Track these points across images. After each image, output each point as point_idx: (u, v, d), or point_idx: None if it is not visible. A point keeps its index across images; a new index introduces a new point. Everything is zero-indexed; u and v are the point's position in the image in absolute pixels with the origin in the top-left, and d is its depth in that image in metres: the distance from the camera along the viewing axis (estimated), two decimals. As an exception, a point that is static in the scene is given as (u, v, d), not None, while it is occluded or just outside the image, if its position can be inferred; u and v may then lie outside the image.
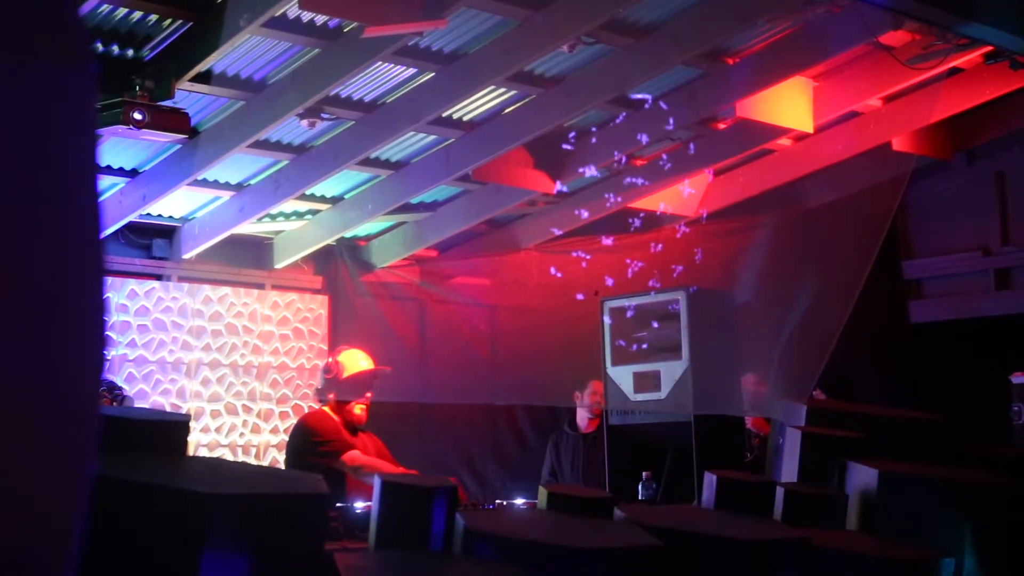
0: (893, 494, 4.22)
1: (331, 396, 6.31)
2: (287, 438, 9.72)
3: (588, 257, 8.86)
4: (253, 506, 3.20)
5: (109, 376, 8.70)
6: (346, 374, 6.26)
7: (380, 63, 7.59)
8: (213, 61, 7.16)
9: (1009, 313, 9.24)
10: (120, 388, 7.84)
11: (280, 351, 10.01)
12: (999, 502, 4.30)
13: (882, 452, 4.56)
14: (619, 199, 9.24)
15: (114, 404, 7.07)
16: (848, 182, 9.20)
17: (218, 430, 9.56)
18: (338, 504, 4.84)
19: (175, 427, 3.63)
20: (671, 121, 8.05)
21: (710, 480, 4.31)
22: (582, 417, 8.51)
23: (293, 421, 9.54)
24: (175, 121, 7.31)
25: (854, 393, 7.98)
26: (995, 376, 7.92)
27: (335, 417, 6.22)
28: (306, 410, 9.49)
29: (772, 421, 5.47)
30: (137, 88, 7.11)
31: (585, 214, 9.40)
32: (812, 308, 7.36)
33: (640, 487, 6.74)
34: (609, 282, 8.16)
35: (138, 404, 8.72)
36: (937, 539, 4.08)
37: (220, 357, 9.69)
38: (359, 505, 4.80)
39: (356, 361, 6.34)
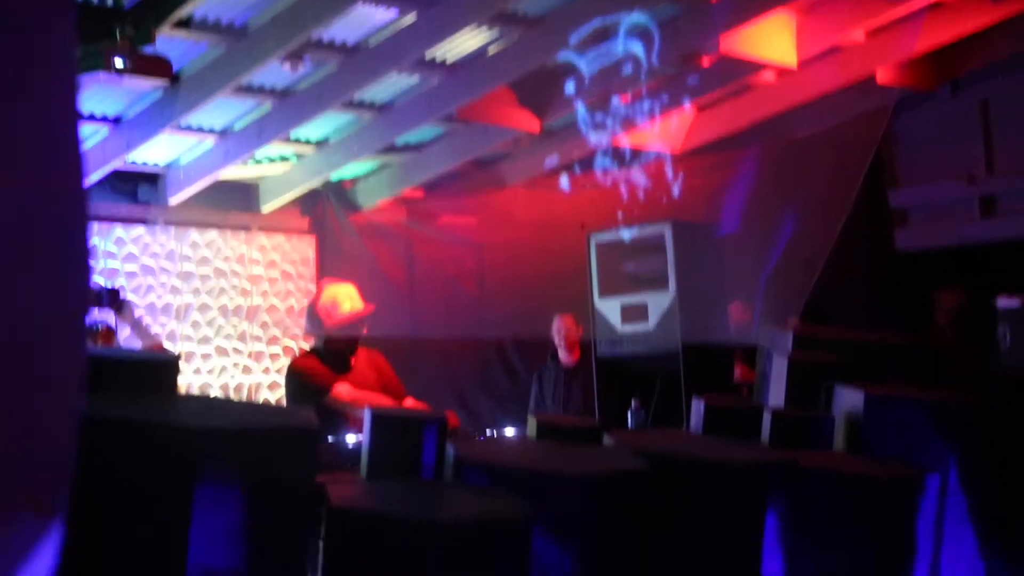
0: (879, 415, 4.25)
1: (320, 340, 6.27)
2: (278, 378, 9.81)
3: (574, 193, 8.88)
4: (244, 440, 3.23)
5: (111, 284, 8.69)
6: (332, 321, 6.21)
7: (361, 4, 7.55)
8: (193, 6, 7.12)
9: (994, 239, 9.28)
10: (119, 292, 7.85)
11: (269, 292, 10.04)
12: (982, 421, 4.34)
13: (868, 375, 4.60)
14: (604, 135, 9.23)
15: (115, 311, 7.10)
16: (832, 115, 9.21)
17: (209, 372, 9.62)
18: (329, 438, 4.87)
19: (165, 366, 3.65)
20: (655, 57, 8.03)
21: (698, 406, 4.34)
22: (562, 350, 8.62)
23: (284, 361, 9.59)
24: (157, 66, 7.29)
25: (830, 320, 8.01)
26: (981, 301, 7.96)
27: (324, 355, 6.19)
28: (296, 350, 9.54)
29: (758, 353, 5.49)
30: (118, 34, 7.08)
31: (571, 151, 9.40)
32: (797, 237, 7.38)
33: (629, 415, 6.78)
34: (595, 216, 8.17)
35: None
36: (922, 457, 4.12)
37: (209, 300, 9.72)
38: (350, 439, 4.83)
39: (340, 305, 6.26)
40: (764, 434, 4.25)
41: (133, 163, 9.25)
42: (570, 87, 7.91)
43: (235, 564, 3.13)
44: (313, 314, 6.26)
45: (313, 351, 6.31)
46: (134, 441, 3.03)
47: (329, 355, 6.13)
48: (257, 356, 9.91)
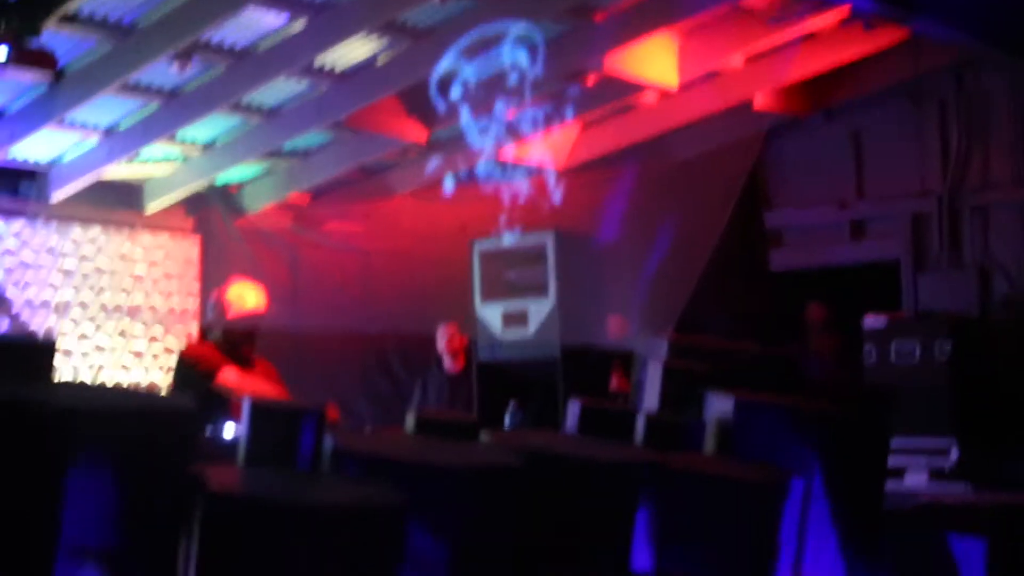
0: (747, 420, 4.38)
1: (218, 332, 6.26)
2: (157, 377, 9.73)
3: (460, 203, 8.95)
4: (120, 421, 3.23)
5: None
6: (232, 313, 6.22)
7: (251, 7, 7.54)
8: (82, 2, 7.06)
9: (863, 261, 9.58)
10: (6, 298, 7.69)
11: (151, 292, 9.95)
12: (845, 430, 4.50)
13: (739, 384, 4.73)
14: (490, 146, 9.32)
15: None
16: (710, 137, 9.42)
17: (88, 369, 9.50)
18: (207, 427, 4.87)
19: (42, 350, 3.62)
20: (540, 73, 8.15)
21: (574, 407, 4.43)
22: (446, 358, 8.70)
23: (163, 361, 9.51)
24: (41, 60, 7.18)
25: (704, 333, 8.20)
26: (848, 317, 8.22)
27: (222, 344, 6.18)
28: (175, 351, 9.46)
29: (634, 361, 5.62)
30: (2, 26, 6.98)
31: (457, 162, 9.47)
32: (673, 253, 7.52)
33: (507, 416, 6.87)
34: (480, 227, 8.26)
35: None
36: (788, 462, 4.26)
37: (89, 297, 9.61)
38: (230, 429, 4.83)
39: (243, 300, 6.27)
40: (638, 437, 4.36)
41: (14, 160, 9.11)
42: (456, 95, 8.01)
43: (108, 545, 3.13)
44: (217, 303, 6.27)
45: (210, 340, 6.30)
46: (7, 420, 3.02)
47: (226, 345, 6.13)
48: (137, 355, 9.81)
